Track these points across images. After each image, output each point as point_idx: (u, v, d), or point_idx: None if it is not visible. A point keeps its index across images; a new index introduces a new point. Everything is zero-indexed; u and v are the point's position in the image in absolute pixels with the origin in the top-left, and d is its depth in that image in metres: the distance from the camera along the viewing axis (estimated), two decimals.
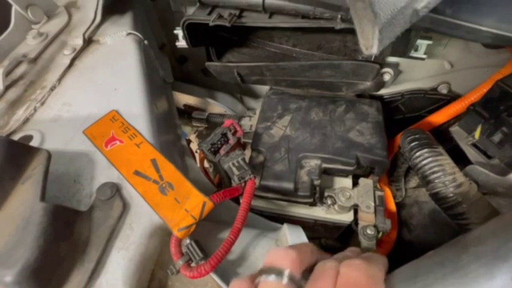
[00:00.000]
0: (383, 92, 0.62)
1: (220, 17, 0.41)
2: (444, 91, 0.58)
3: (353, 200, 0.46)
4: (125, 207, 0.33)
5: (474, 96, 0.44)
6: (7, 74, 0.44)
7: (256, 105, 0.82)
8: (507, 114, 0.31)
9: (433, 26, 0.21)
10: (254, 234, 0.37)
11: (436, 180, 0.36)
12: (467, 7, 0.20)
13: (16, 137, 0.40)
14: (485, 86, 0.41)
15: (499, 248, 0.22)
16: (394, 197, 0.60)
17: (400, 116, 0.66)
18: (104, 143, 0.36)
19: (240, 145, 0.56)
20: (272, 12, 0.37)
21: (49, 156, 0.32)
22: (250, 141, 0.51)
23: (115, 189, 0.34)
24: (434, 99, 0.61)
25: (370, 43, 0.14)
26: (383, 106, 0.57)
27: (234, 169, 0.37)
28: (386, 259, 0.27)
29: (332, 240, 0.58)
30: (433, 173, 0.37)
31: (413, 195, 0.61)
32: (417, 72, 0.57)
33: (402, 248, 0.58)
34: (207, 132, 0.74)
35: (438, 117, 0.50)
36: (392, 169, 0.59)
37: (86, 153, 0.38)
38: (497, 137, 0.33)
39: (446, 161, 0.37)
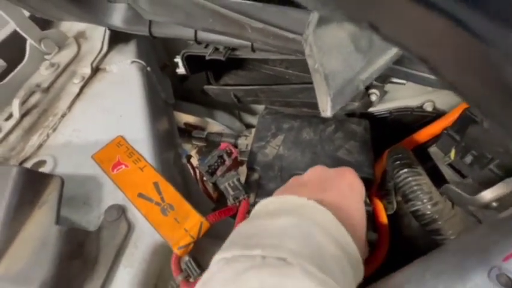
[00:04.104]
0: (372, 109, 0.65)
1: (216, 50, 0.45)
2: (430, 109, 0.61)
3: None
4: (130, 227, 0.36)
5: (452, 118, 0.48)
6: (22, 103, 0.49)
7: (254, 121, 0.85)
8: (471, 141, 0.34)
9: (392, 73, 0.25)
10: None
11: (415, 199, 0.40)
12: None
13: (31, 162, 0.44)
14: (459, 109, 0.44)
15: (455, 266, 0.25)
16: (386, 210, 0.62)
17: (390, 131, 0.69)
18: (111, 167, 0.40)
19: (238, 163, 0.60)
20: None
21: (62, 182, 0.36)
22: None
23: (121, 211, 0.37)
24: (421, 116, 0.64)
25: (325, 108, 0.18)
26: (374, 122, 0.60)
27: (229, 189, 0.41)
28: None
29: None
30: (412, 191, 0.40)
31: (404, 207, 0.63)
32: (402, 92, 0.61)
33: (394, 259, 0.60)
34: (206, 149, 0.78)
35: (422, 136, 0.53)
36: (383, 183, 0.62)
37: (95, 176, 0.42)
38: (468, 159, 0.37)
39: (424, 180, 0.40)
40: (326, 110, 0.17)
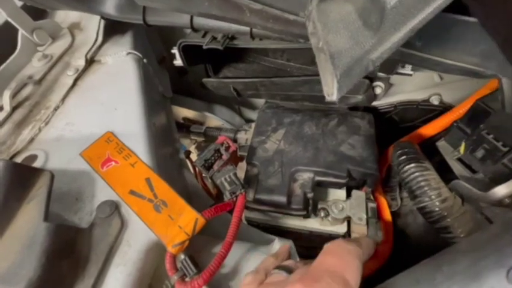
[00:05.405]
0: (376, 103, 0.63)
1: (214, 39, 0.43)
2: (436, 102, 0.59)
3: (345, 212, 0.47)
4: (123, 224, 0.35)
5: (462, 110, 0.45)
6: (14, 95, 0.47)
7: (254, 115, 0.83)
8: (487, 132, 0.32)
9: (403, 58, 0.23)
10: (247, 248, 0.39)
11: (422, 195, 0.38)
12: (434, 42, 0.22)
13: (22, 157, 0.42)
14: (470, 102, 0.42)
15: (469, 267, 0.23)
16: (390, 207, 0.61)
17: (394, 126, 0.67)
18: (100, 164, 0.38)
19: (237, 158, 0.58)
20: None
21: (52, 177, 0.34)
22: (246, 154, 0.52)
23: (114, 207, 0.35)
24: (427, 110, 0.62)
25: (331, 91, 0.16)
26: (378, 117, 0.58)
27: (226, 184, 0.39)
28: (370, 241, 0.32)
29: None
30: (419, 187, 0.38)
31: (409, 204, 0.62)
32: (408, 85, 0.59)
33: (398, 257, 0.58)
34: (206, 145, 0.76)
35: (428, 130, 0.51)
36: (387, 179, 0.60)
37: (88, 172, 0.40)
38: (479, 153, 0.35)
39: (432, 175, 0.38)
40: (332, 93, 0.16)
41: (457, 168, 0.39)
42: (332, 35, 0.15)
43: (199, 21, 0.39)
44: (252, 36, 0.37)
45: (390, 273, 0.29)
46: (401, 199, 0.62)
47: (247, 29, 0.36)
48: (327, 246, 0.29)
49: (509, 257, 0.23)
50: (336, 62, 0.15)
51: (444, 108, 0.59)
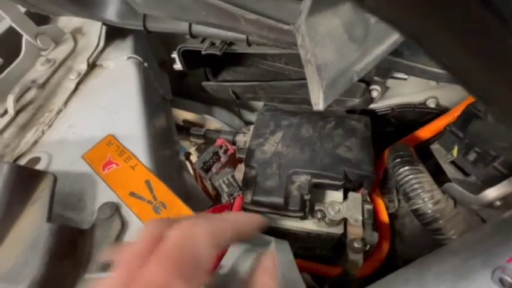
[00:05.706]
0: (373, 106, 0.64)
1: (213, 44, 0.45)
2: (433, 105, 0.60)
3: (342, 214, 0.48)
4: (124, 225, 0.36)
5: (456, 114, 0.46)
6: (17, 99, 0.48)
7: (254, 118, 0.84)
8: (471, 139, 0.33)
9: (392, 66, 0.24)
10: (243, 249, 0.40)
11: (416, 197, 0.39)
12: (421, 50, 0.23)
13: (26, 159, 0.43)
14: (464, 105, 0.43)
15: (458, 266, 0.24)
16: (387, 208, 0.61)
17: (392, 128, 0.68)
18: (101, 166, 0.39)
19: (236, 161, 0.59)
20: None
21: (55, 179, 0.35)
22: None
23: (115, 209, 0.36)
24: (424, 113, 0.63)
25: (317, 101, 0.17)
26: (375, 120, 0.59)
27: (224, 186, 0.40)
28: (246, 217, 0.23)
29: (326, 250, 0.60)
30: (413, 190, 0.39)
31: (406, 206, 0.62)
32: (404, 88, 0.60)
33: (395, 259, 0.59)
34: (205, 147, 0.77)
35: (424, 133, 0.52)
36: (384, 181, 0.61)
37: (89, 174, 0.41)
38: (471, 156, 0.35)
39: (425, 178, 0.39)
40: (318, 103, 0.16)
41: (450, 171, 0.40)
42: (319, 47, 0.16)
43: (198, 28, 0.40)
44: (249, 43, 0.39)
45: (387, 274, 0.29)
46: (399, 201, 0.62)
47: (244, 36, 0.37)
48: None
49: (496, 257, 0.24)
50: (322, 73, 0.16)
51: (440, 111, 0.60)
